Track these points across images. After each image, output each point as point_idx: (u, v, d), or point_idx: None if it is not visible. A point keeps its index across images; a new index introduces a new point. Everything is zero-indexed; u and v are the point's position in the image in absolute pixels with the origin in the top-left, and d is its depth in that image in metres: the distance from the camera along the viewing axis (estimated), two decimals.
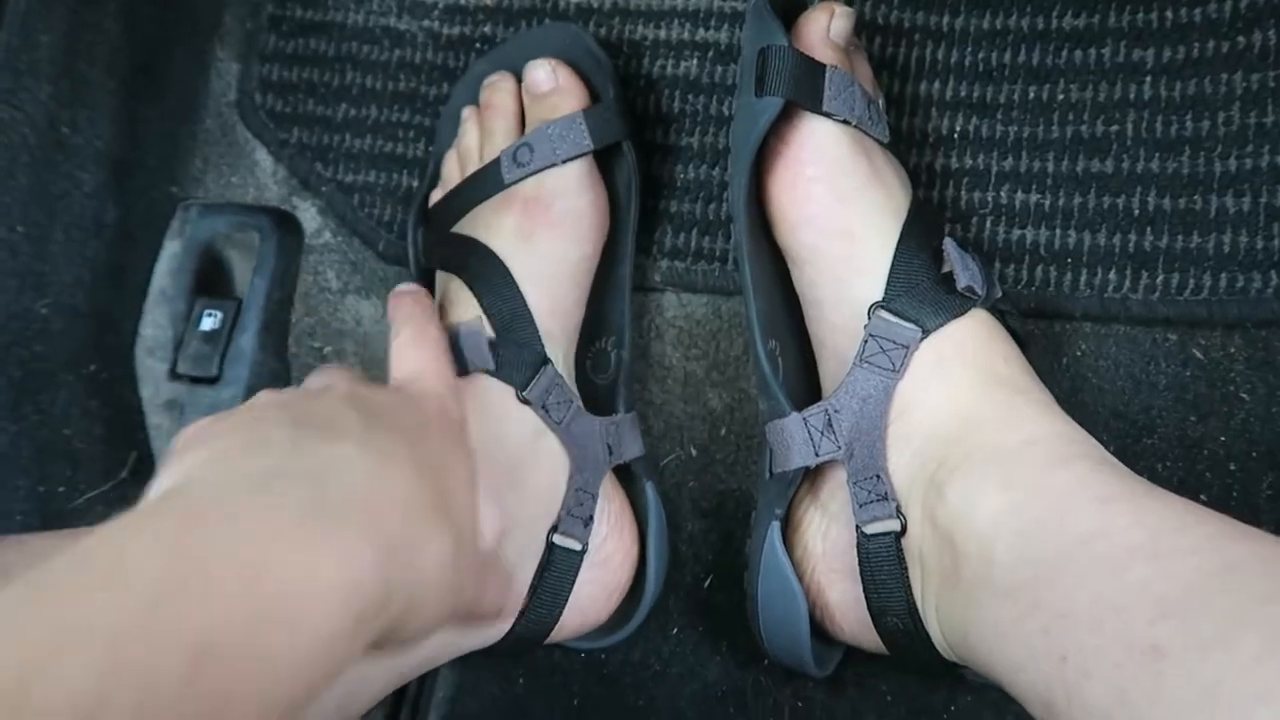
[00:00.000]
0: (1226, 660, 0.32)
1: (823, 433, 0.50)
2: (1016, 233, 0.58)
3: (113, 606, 0.27)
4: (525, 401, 0.52)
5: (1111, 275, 0.56)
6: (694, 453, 0.61)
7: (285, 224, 0.68)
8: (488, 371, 0.52)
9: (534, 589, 0.52)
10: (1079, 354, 0.57)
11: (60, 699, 0.24)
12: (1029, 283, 0.58)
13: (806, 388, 0.55)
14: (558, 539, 0.52)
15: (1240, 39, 0.56)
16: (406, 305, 0.49)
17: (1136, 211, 0.56)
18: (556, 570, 0.52)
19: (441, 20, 0.69)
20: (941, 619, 0.46)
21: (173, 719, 0.26)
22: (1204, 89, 0.56)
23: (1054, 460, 0.44)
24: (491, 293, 0.54)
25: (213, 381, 0.64)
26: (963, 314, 0.49)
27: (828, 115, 0.52)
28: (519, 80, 0.60)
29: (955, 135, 0.60)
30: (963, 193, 0.59)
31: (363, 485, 0.34)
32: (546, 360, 0.54)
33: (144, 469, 0.64)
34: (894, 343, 0.49)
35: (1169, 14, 0.58)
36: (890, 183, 0.53)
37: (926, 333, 0.49)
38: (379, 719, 0.59)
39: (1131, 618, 0.35)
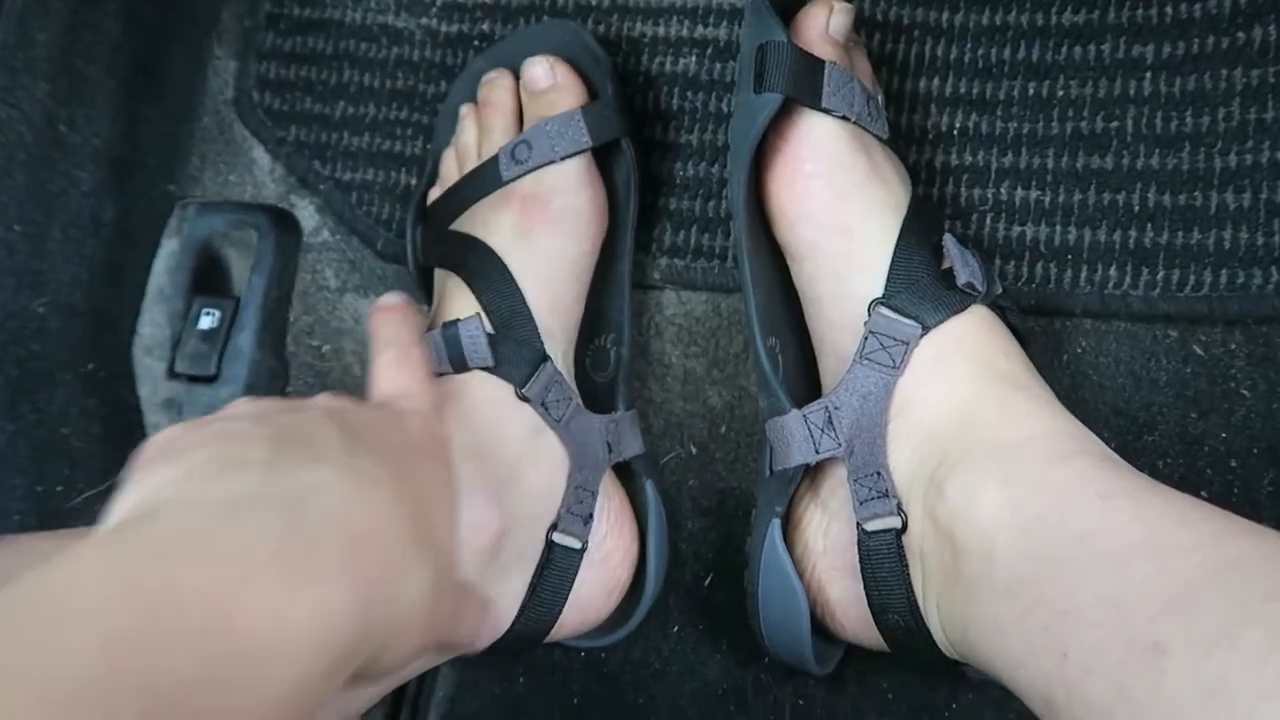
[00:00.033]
0: (1229, 657, 0.32)
1: (823, 430, 0.50)
2: (1016, 229, 0.58)
3: (63, 651, 0.24)
4: (524, 399, 0.52)
5: (1112, 271, 0.56)
6: (694, 450, 0.61)
7: (283, 222, 0.68)
8: (487, 369, 0.52)
9: (533, 587, 0.52)
10: (1079, 350, 0.57)
11: None
12: (1029, 279, 0.57)
13: (806, 385, 0.55)
14: (557, 537, 0.52)
15: (1240, 34, 0.56)
16: (391, 325, 0.46)
17: (1137, 208, 0.56)
18: (556, 568, 0.52)
19: (439, 18, 0.69)
20: (942, 616, 0.46)
21: None
22: (1204, 84, 0.56)
23: (1055, 456, 0.44)
24: (490, 290, 0.54)
25: (211, 380, 0.63)
26: (963, 310, 0.49)
27: (827, 111, 0.52)
28: (517, 77, 0.60)
29: (955, 131, 0.60)
30: (962, 189, 0.59)
31: (341, 514, 0.33)
32: (546, 357, 0.53)
33: None
34: (894, 339, 0.49)
35: (1169, 9, 0.58)
36: (890, 179, 0.53)
37: (927, 329, 0.48)
38: (379, 719, 0.59)
39: (1133, 614, 0.35)
